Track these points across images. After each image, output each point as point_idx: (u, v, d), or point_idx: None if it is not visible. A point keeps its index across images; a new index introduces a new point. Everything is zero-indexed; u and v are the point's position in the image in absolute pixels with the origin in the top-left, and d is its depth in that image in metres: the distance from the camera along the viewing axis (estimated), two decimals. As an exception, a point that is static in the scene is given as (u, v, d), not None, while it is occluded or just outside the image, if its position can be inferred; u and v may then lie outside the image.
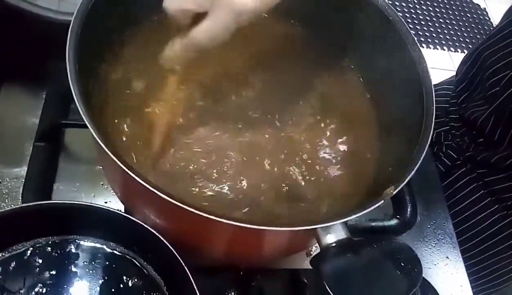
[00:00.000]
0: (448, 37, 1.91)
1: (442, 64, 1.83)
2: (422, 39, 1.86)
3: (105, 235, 0.43)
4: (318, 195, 0.41)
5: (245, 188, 0.40)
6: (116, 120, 0.42)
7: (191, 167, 0.40)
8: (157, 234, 0.38)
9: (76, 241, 0.43)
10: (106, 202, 0.50)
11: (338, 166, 0.43)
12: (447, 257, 0.54)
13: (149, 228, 0.39)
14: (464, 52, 1.91)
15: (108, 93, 0.43)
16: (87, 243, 0.43)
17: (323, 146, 0.44)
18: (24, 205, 0.42)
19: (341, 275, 0.29)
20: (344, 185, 0.42)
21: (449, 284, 0.53)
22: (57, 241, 0.42)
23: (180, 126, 0.43)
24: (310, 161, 0.43)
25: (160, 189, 0.30)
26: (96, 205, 0.40)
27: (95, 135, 0.31)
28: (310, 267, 0.32)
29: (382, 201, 0.33)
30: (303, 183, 0.41)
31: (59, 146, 0.52)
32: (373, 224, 0.53)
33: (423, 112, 0.38)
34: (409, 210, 0.54)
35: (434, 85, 0.80)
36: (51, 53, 0.50)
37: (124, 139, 0.41)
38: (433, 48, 1.87)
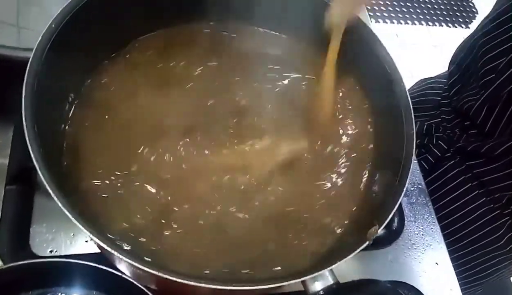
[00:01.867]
0: (425, 11, 1.90)
1: (421, 39, 1.82)
2: (400, 15, 1.84)
3: (87, 285, 0.42)
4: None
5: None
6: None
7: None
8: (138, 285, 0.37)
9: (59, 293, 0.42)
10: (86, 241, 0.49)
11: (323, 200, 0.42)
12: (436, 263, 0.54)
13: (129, 279, 0.38)
14: (442, 26, 1.90)
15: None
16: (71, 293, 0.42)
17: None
18: (4, 267, 0.41)
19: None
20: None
21: (439, 290, 0.53)
22: (40, 294, 0.41)
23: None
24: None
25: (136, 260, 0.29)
26: (75, 261, 0.39)
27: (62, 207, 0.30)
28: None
29: (368, 242, 0.32)
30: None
31: (32, 187, 0.50)
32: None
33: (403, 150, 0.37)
34: (396, 219, 0.54)
35: (427, 78, 0.80)
36: (14, 88, 0.47)
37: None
38: (411, 24, 1.86)
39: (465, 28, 1.96)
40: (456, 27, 1.94)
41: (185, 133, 0.42)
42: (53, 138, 0.40)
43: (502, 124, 0.59)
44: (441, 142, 0.68)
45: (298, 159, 0.43)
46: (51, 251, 0.47)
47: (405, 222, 0.55)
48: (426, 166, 0.70)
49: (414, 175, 0.59)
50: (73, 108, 0.43)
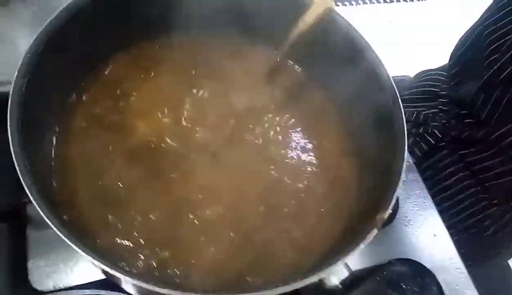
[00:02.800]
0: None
1: (378, 17, 1.85)
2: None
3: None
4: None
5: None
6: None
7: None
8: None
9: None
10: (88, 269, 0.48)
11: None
12: (434, 235, 0.56)
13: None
14: (400, 1, 1.93)
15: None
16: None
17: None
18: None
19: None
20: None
21: (440, 260, 0.54)
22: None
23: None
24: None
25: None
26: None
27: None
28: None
29: (376, 230, 0.33)
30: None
31: (24, 221, 0.48)
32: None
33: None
34: (391, 200, 0.55)
35: (427, 70, 0.82)
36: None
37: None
38: (366, 3, 1.89)
39: (420, 0, 2.00)
40: (406, 1, 1.98)
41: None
42: (43, 169, 0.38)
43: (500, 111, 0.60)
44: (435, 131, 0.70)
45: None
46: (53, 286, 0.46)
47: (399, 200, 0.57)
48: (419, 154, 0.71)
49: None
50: (57, 135, 0.42)
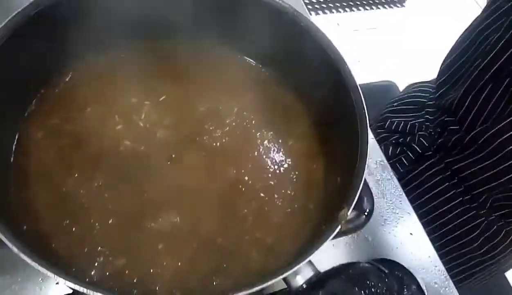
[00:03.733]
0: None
1: (361, 24, 1.88)
2: (338, 4, 1.89)
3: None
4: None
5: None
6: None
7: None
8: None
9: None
10: (57, 283, 0.46)
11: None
12: (410, 233, 0.55)
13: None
14: (379, 8, 1.96)
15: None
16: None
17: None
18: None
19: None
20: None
21: (418, 258, 0.54)
22: None
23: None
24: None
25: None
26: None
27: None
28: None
29: (340, 227, 0.33)
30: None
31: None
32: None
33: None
34: (365, 199, 0.55)
35: (417, 82, 0.82)
36: None
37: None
38: (350, 11, 1.91)
39: (401, 7, 2.03)
40: (392, 7, 2.02)
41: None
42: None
43: (485, 115, 0.60)
44: (422, 140, 0.70)
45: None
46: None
47: (374, 199, 0.56)
48: (406, 163, 0.71)
49: (375, 152, 0.60)
50: (15, 144, 0.41)
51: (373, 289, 0.30)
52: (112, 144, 0.42)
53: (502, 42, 0.56)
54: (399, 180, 0.59)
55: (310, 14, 1.82)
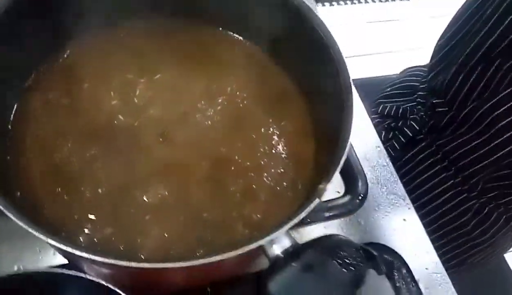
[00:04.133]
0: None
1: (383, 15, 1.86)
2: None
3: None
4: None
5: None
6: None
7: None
8: (111, 287, 0.37)
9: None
10: (54, 253, 0.48)
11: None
12: (404, 219, 0.55)
13: (101, 282, 0.37)
14: None
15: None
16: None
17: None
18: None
19: (288, 287, 0.29)
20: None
21: (411, 244, 0.54)
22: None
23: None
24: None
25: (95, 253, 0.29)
26: (43, 271, 0.38)
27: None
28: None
29: (318, 200, 0.33)
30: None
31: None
32: (329, 205, 0.54)
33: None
34: (359, 184, 0.55)
35: (412, 66, 0.82)
36: None
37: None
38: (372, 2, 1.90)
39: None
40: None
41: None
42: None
43: (475, 94, 0.60)
44: (413, 123, 0.70)
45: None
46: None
47: (369, 184, 0.56)
48: (398, 147, 0.71)
49: (372, 138, 0.61)
50: (13, 113, 0.42)
51: (347, 260, 0.30)
52: (107, 118, 0.43)
53: (494, 18, 0.55)
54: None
55: (324, 4, 1.81)
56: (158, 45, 0.48)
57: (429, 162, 0.69)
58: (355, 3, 1.89)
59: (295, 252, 0.32)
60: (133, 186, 0.40)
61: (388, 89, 0.82)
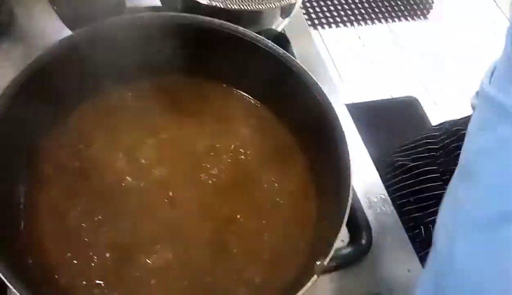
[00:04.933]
0: (383, 9, 1.94)
1: (383, 37, 1.86)
2: (360, 17, 1.88)
3: None
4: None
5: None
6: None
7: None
8: None
9: None
10: None
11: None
12: (408, 270, 0.56)
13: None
14: (402, 20, 1.94)
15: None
16: None
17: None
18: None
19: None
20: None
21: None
22: None
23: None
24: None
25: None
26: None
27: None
28: None
29: (316, 276, 0.34)
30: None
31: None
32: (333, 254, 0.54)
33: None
34: (364, 234, 0.55)
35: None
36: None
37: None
38: (372, 24, 1.90)
39: (424, 19, 2.01)
40: (414, 20, 1.99)
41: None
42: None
43: None
44: None
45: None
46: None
47: (373, 233, 0.57)
48: None
49: (376, 186, 0.61)
50: (25, 180, 0.44)
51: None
52: (115, 180, 0.45)
53: None
54: None
55: (324, 27, 1.82)
56: (162, 104, 0.50)
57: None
58: (361, 25, 1.90)
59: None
60: (139, 249, 0.41)
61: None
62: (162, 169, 0.46)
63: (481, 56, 1.82)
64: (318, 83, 0.43)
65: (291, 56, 0.45)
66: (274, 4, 0.52)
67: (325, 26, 1.83)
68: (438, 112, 1.61)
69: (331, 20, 1.84)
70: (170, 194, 0.45)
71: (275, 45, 0.46)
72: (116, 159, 0.46)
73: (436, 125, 0.79)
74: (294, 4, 0.55)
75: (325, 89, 0.44)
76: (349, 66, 1.72)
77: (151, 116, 0.49)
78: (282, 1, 0.52)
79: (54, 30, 0.51)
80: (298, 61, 0.45)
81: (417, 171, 0.71)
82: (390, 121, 1.29)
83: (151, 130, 0.48)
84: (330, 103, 0.42)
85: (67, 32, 0.46)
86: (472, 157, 0.35)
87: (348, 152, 0.40)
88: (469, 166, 0.34)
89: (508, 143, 0.32)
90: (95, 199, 0.44)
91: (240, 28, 0.47)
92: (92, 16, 0.42)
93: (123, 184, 0.45)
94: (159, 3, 0.59)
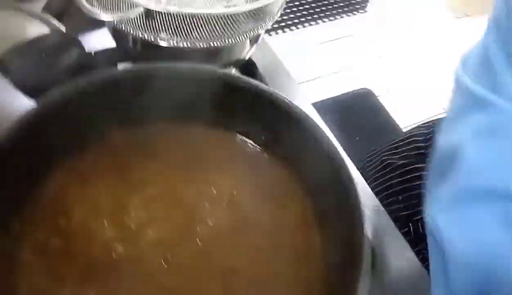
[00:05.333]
0: (324, 8, 1.97)
1: (327, 35, 1.90)
2: (303, 19, 1.91)
3: None
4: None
5: None
6: None
7: None
8: None
9: None
10: None
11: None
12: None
13: None
14: (343, 17, 1.99)
15: None
16: None
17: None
18: None
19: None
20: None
21: None
22: None
23: None
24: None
25: None
26: None
27: None
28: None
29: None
30: None
31: None
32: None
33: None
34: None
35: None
36: None
37: None
38: (315, 24, 1.93)
39: (363, 12, 2.07)
40: (355, 14, 2.05)
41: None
42: None
43: None
44: None
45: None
46: None
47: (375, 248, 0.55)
48: None
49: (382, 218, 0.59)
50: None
51: None
52: (103, 252, 0.41)
53: None
54: None
55: (276, 33, 1.83)
56: (145, 154, 0.46)
57: None
58: (305, 26, 1.92)
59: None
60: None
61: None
62: (154, 229, 0.42)
63: (423, 43, 1.91)
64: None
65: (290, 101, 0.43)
66: (241, 38, 0.49)
67: (272, 32, 1.84)
68: (393, 100, 1.65)
69: (275, 25, 1.85)
70: (167, 256, 0.41)
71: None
72: (101, 227, 0.42)
73: (424, 123, 0.80)
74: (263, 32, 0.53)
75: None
76: (304, 67, 1.74)
77: (134, 171, 0.45)
78: (250, 32, 0.50)
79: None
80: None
81: (405, 169, 0.71)
82: (350, 116, 1.31)
83: (136, 186, 0.44)
84: (340, 154, 0.41)
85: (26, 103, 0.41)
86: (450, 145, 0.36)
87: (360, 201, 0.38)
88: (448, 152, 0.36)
89: (484, 131, 0.34)
90: (84, 278, 0.39)
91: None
92: (56, 79, 0.38)
93: (113, 255, 0.41)
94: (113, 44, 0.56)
